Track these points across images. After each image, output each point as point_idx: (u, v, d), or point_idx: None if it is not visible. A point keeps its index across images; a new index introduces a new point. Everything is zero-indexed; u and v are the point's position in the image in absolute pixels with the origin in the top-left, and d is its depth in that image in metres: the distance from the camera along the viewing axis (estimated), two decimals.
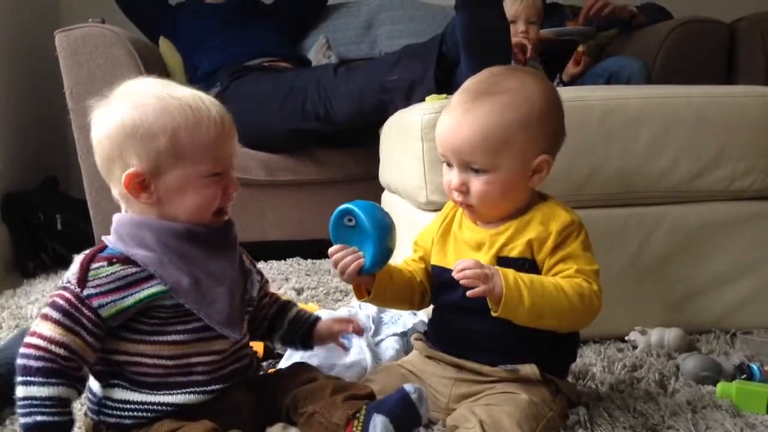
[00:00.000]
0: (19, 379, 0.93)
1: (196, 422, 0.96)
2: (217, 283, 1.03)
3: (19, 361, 0.93)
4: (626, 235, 1.58)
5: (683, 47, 2.55)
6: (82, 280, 0.97)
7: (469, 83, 1.16)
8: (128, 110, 1.00)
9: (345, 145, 2.53)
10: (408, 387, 1.00)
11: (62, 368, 0.93)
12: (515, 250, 1.12)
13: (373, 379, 1.18)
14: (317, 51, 2.95)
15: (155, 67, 2.62)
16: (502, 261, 1.12)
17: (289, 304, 1.22)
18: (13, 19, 2.91)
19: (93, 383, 1.03)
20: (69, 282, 0.97)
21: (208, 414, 0.99)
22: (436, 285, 1.21)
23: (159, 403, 1.00)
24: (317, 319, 1.20)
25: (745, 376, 1.31)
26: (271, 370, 1.26)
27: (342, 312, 1.49)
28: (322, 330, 1.19)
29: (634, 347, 1.54)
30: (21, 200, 2.74)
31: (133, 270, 0.98)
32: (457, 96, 1.14)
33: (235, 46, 2.72)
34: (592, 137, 1.55)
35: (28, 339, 0.95)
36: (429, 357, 1.20)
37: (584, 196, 1.55)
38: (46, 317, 0.95)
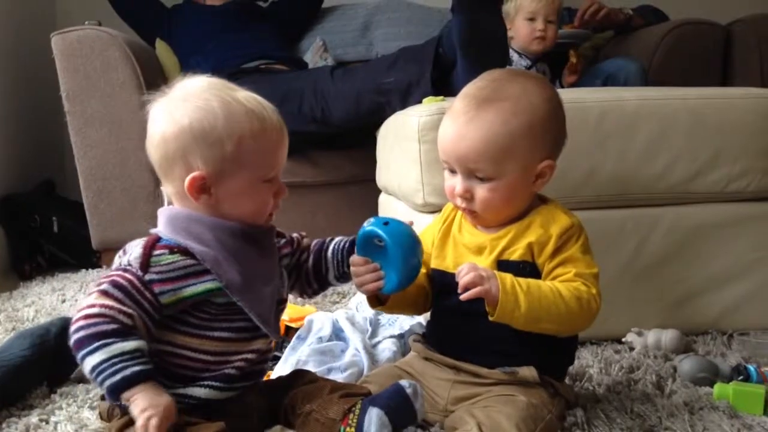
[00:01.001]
0: (95, 344, 0.92)
1: (209, 422, 0.96)
2: (264, 283, 1.05)
3: (85, 332, 0.93)
4: (623, 236, 1.58)
5: (679, 49, 2.55)
6: (145, 264, 0.98)
7: (471, 89, 1.15)
8: (196, 113, 1.00)
9: (342, 148, 2.53)
10: (403, 382, 1.02)
11: (133, 329, 0.95)
12: (516, 254, 1.12)
13: (370, 381, 1.18)
14: (314, 53, 2.95)
15: (152, 69, 2.62)
16: (502, 264, 1.12)
17: (322, 246, 1.19)
18: (9, 22, 2.90)
19: None
20: (130, 265, 0.98)
21: (222, 413, 0.99)
22: (436, 288, 1.20)
23: (184, 395, 1.00)
24: (352, 241, 1.17)
25: (742, 377, 1.31)
26: (269, 372, 1.26)
27: (339, 314, 1.49)
28: None
29: (631, 349, 1.54)
30: (17, 203, 2.73)
31: (191, 262, 0.99)
32: (460, 102, 1.13)
33: (231, 49, 2.72)
34: (588, 139, 1.55)
35: (87, 311, 0.94)
36: (427, 359, 1.20)
37: (581, 198, 1.55)
38: (105, 293, 0.95)
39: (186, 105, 1.01)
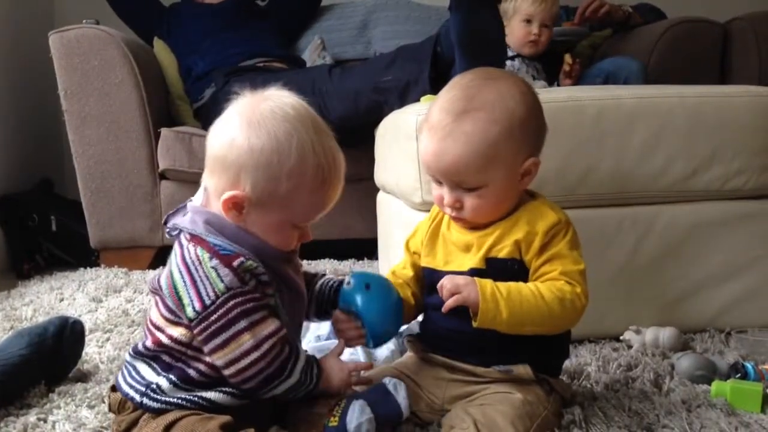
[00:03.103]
0: (286, 371, 0.99)
1: (216, 415, 0.97)
2: (299, 301, 1.08)
3: (274, 366, 0.98)
4: (620, 235, 1.58)
5: (677, 47, 2.55)
6: (239, 279, 0.97)
7: (444, 101, 1.13)
8: (272, 142, 0.98)
9: (340, 146, 2.52)
10: (385, 379, 1.04)
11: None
12: (503, 251, 1.12)
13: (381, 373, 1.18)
14: (312, 51, 2.95)
15: (150, 68, 2.62)
16: (491, 262, 1.12)
17: (312, 280, 1.20)
18: (7, 20, 2.90)
19: (143, 368, 1.03)
20: (229, 288, 0.97)
21: (235, 413, 0.99)
22: (427, 286, 1.20)
23: (201, 398, 1.00)
24: (340, 282, 1.18)
25: (739, 375, 1.31)
26: None
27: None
28: None
29: (629, 347, 1.54)
30: (15, 202, 2.73)
31: (262, 270, 1.00)
32: (436, 115, 1.12)
33: (229, 47, 2.72)
34: (586, 137, 1.55)
35: (260, 350, 0.97)
36: (422, 359, 1.20)
37: (578, 197, 1.55)
38: (253, 325, 0.97)
39: (268, 125, 0.99)
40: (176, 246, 1.02)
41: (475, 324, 1.06)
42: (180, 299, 0.98)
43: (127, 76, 2.46)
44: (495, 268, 1.10)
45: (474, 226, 1.16)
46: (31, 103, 3.03)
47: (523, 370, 1.11)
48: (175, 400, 0.99)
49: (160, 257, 2.52)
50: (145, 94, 2.48)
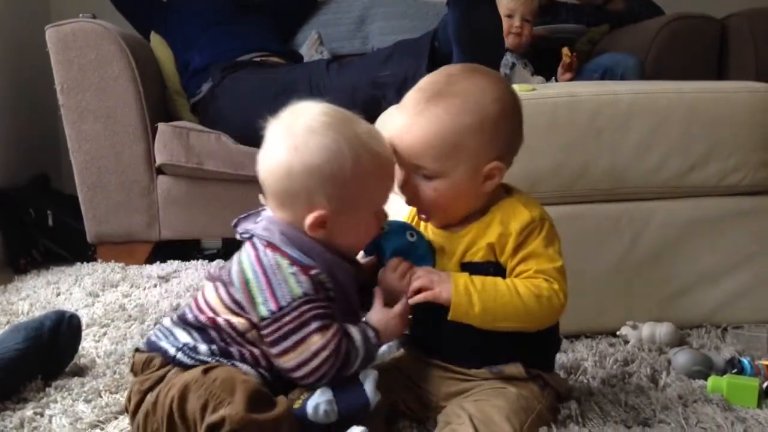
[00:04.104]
0: (350, 364, 1.02)
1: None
2: (354, 318, 1.09)
3: (341, 358, 1.01)
4: (617, 230, 1.58)
5: (674, 43, 2.55)
6: (313, 288, 1.01)
7: (424, 82, 1.13)
8: (326, 154, 1.01)
9: None
10: (362, 373, 1.05)
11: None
12: (478, 254, 1.10)
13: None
14: (309, 46, 2.95)
15: (146, 62, 2.61)
16: (466, 267, 1.10)
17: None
18: (3, 15, 2.89)
19: (182, 335, 1.05)
20: (306, 294, 1.00)
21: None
22: None
23: (235, 366, 1.02)
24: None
25: (735, 370, 1.31)
26: None
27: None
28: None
29: (626, 342, 1.54)
30: (12, 197, 2.72)
31: (331, 285, 1.03)
32: (411, 94, 1.12)
33: (226, 42, 2.71)
34: (582, 133, 1.55)
35: (324, 354, 0.99)
36: (417, 358, 1.20)
37: (575, 192, 1.55)
38: (323, 328, 1.00)
39: (313, 141, 1.01)
40: (248, 248, 1.05)
41: (449, 317, 1.05)
42: (252, 297, 1.01)
43: (124, 71, 2.45)
44: (471, 273, 1.08)
45: (439, 225, 1.15)
46: (28, 97, 3.02)
47: (514, 369, 1.10)
48: (209, 359, 1.02)
49: (156, 252, 2.52)
50: (142, 89, 2.47)
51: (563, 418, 1.14)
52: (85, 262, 2.49)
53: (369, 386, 1.02)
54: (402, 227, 1.14)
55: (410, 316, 1.18)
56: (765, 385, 1.25)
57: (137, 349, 1.09)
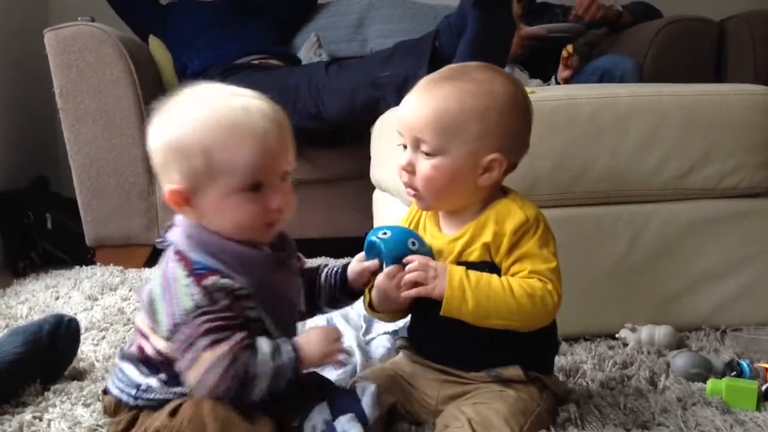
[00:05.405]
0: (252, 382, 0.95)
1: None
2: (290, 307, 1.07)
3: (230, 383, 0.94)
4: (616, 233, 1.58)
5: (673, 45, 2.56)
6: (208, 298, 0.96)
7: (440, 71, 1.15)
8: (171, 127, 1.00)
9: (336, 144, 2.53)
10: (358, 384, 1.05)
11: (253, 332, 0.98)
12: (474, 255, 1.10)
13: (363, 378, 1.18)
14: (307, 49, 2.95)
15: (145, 66, 2.61)
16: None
17: (316, 271, 1.20)
18: (1, 18, 2.89)
19: (131, 370, 1.03)
20: (198, 307, 0.95)
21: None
22: None
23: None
24: (344, 266, 1.18)
25: (735, 372, 1.31)
26: None
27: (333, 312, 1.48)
28: (354, 276, 1.16)
29: (625, 345, 1.54)
30: (11, 199, 2.72)
31: (238, 285, 0.98)
32: (426, 79, 1.14)
33: (225, 44, 2.71)
34: (581, 136, 1.55)
35: (221, 366, 0.94)
36: (415, 361, 1.20)
37: (574, 195, 1.55)
38: (214, 343, 0.94)
39: (167, 117, 1.01)
40: (164, 260, 1.02)
41: (441, 312, 1.05)
42: (155, 314, 0.99)
43: (123, 74, 2.46)
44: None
45: (427, 209, 1.16)
46: (26, 100, 3.02)
47: (513, 372, 1.10)
48: (170, 395, 0.99)
49: (155, 255, 2.51)
50: (140, 92, 2.47)
51: (562, 420, 1.14)
52: (83, 266, 2.49)
53: (367, 401, 1.01)
54: (404, 234, 1.12)
55: (410, 317, 1.19)
56: (764, 387, 1.25)
57: (104, 391, 1.07)
